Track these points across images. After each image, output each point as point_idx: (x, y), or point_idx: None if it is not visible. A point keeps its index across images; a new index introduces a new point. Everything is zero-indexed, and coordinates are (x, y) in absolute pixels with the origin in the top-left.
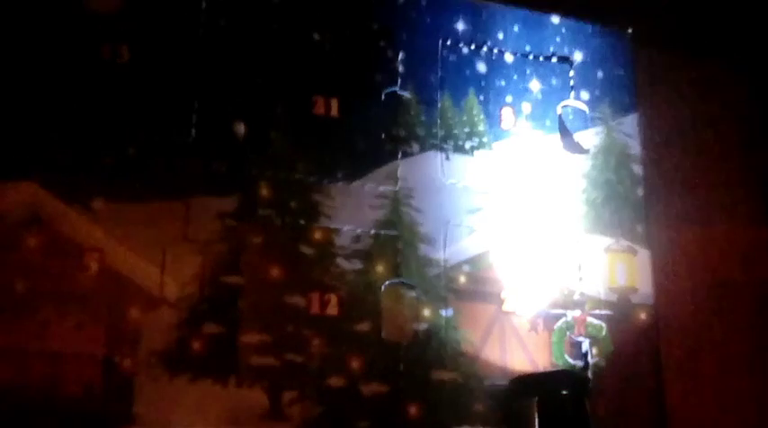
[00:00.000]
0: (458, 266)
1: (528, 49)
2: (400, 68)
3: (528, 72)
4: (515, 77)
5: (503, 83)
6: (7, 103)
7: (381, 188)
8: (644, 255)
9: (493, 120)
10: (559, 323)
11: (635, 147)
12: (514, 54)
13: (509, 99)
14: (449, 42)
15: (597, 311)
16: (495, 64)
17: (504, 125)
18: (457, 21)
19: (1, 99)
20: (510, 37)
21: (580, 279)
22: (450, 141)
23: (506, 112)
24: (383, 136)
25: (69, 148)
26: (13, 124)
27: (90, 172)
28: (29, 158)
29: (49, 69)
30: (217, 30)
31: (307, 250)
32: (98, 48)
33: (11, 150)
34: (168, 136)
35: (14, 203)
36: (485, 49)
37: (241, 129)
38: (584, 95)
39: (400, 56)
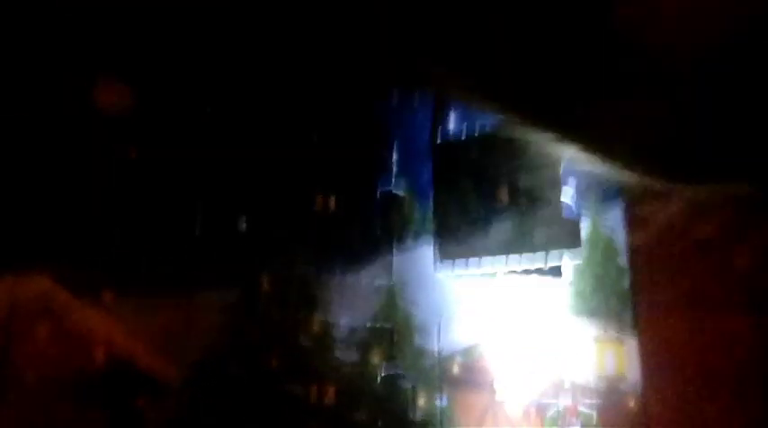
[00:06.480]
0: (451, 356)
1: None
2: (394, 168)
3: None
4: None
5: None
6: (23, 202)
7: (377, 282)
8: (631, 344)
9: None
10: (551, 412)
11: (620, 241)
12: None
13: None
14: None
15: (587, 400)
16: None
17: None
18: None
19: (18, 199)
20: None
21: (570, 368)
22: None
23: None
24: (378, 232)
25: (80, 244)
26: (28, 221)
27: (100, 266)
28: (42, 253)
29: (64, 170)
30: (221, 133)
31: (305, 341)
32: (110, 148)
33: (25, 245)
34: (175, 233)
35: (28, 295)
36: None
37: (244, 226)
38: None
39: (394, 156)
